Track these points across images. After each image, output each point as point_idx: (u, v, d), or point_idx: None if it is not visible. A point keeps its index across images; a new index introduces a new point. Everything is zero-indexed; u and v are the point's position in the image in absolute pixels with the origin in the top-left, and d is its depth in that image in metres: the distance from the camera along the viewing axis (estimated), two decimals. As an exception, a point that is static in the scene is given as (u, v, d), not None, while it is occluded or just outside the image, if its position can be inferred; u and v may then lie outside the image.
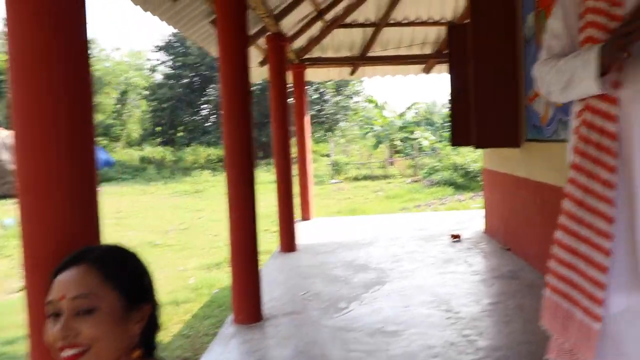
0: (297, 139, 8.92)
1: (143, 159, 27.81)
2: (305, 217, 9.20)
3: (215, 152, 28.05)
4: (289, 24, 7.21)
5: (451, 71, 6.55)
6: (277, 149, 6.70)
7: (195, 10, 5.24)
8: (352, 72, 9.41)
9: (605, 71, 1.69)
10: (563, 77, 1.81)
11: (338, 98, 30.85)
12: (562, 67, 1.82)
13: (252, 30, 6.58)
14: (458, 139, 6.36)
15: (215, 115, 32.39)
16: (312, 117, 30.10)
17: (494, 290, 4.77)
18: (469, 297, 4.54)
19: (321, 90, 29.69)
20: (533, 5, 5.02)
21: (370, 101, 25.58)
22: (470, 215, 8.65)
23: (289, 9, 6.39)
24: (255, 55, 7.50)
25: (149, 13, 4.45)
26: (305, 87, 9.09)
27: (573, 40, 1.88)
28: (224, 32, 4.18)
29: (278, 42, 6.52)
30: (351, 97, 31.84)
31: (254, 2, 5.24)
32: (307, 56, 8.73)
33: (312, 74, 9.52)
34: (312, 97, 29.48)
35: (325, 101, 30.50)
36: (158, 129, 32.50)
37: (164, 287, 7.51)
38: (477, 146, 5.55)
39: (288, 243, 6.87)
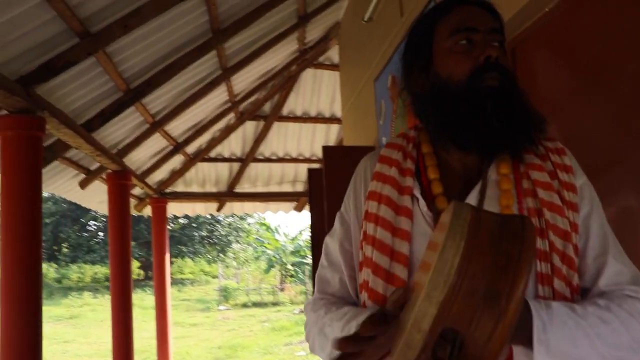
0: (155, 280, 8.03)
1: (20, 277, 25.49)
2: (163, 370, 8.10)
3: (103, 270, 26.55)
4: (142, 158, 6.59)
5: (312, 215, 6.00)
6: (114, 291, 5.77)
7: None
8: (219, 208, 8.75)
9: None
10: (326, 346, 1.12)
11: (231, 219, 30.12)
12: (326, 329, 1.12)
13: (93, 167, 5.93)
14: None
15: (102, 233, 30.77)
16: (204, 237, 29.18)
17: None
18: None
19: (214, 209, 28.80)
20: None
21: (262, 224, 24.98)
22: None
23: (135, 144, 5.78)
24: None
25: None
26: (167, 221, 8.33)
27: (352, 274, 1.20)
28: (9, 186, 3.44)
29: (117, 180, 5.81)
30: (244, 219, 31.23)
31: (76, 142, 4.56)
32: (169, 190, 8.05)
33: (176, 208, 8.77)
34: (205, 217, 28.66)
35: (218, 221, 29.65)
36: (41, 244, 30.21)
37: None
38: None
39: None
